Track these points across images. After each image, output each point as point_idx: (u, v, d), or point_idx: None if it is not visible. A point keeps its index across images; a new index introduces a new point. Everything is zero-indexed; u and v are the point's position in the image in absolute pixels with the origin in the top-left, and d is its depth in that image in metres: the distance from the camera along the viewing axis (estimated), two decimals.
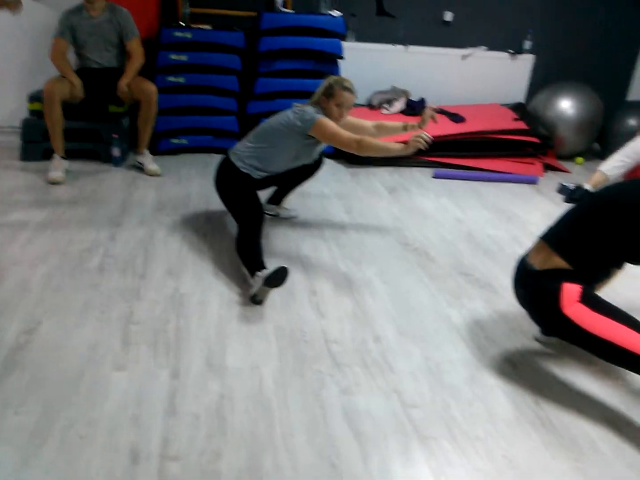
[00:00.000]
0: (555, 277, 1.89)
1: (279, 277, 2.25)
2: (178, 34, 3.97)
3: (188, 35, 4.00)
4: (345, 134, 2.60)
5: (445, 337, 2.24)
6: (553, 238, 1.98)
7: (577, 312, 1.82)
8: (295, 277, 2.58)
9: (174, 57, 4.01)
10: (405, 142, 2.52)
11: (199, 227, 3.01)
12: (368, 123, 2.95)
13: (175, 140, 4.18)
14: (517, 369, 2.09)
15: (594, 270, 1.95)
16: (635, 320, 1.78)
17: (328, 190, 3.74)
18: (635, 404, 1.94)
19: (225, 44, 4.07)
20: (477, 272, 2.78)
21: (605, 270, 1.99)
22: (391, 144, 2.59)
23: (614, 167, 3.80)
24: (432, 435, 1.74)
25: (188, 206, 3.26)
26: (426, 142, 2.49)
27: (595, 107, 4.70)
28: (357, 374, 1.99)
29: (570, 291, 1.84)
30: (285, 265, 2.27)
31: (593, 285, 1.98)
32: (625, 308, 1.86)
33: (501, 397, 1.94)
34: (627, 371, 2.08)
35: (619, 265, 2.02)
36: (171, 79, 4.06)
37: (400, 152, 2.57)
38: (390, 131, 2.97)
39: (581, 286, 1.85)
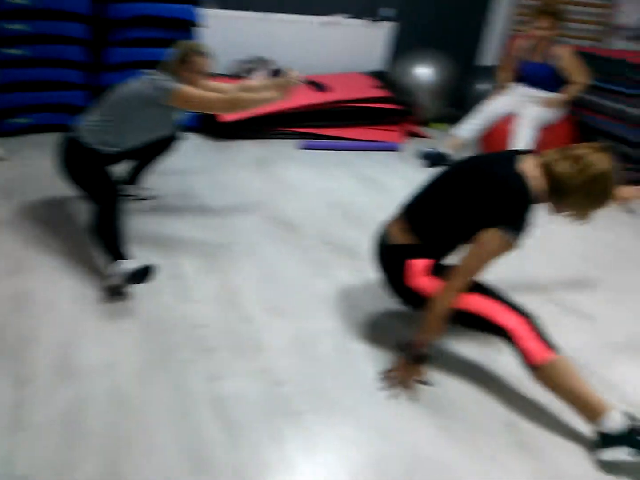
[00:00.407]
0: (403, 253, 1.92)
1: (142, 275, 2.10)
2: None
3: (26, 1, 3.60)
4: (213, 95, 2.46)
5: (314, 309, 2.23)
6: (406, 210, 2.00)
7: (422, 285, 1.86)
8: (156, 262, 2.44)
9: (10, 26, 3.60)
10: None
11: (45, 215, 2.74)
12: (230, 86, 2.75)
13: (19, 120, 3.79)
14: (385, 330, 2.13)
15: (440, 246, 1.92)
16: (481, 285, 1.83)
17: (192, 166, 3.58)
18: (496, 360, 2.05)
19: (68, 10, 3.71)
20: (345, 242, 2.79)
21: (451, 246, 1.93)
22: (265, 93, 2.52)
23: (467, 130, 3.99)
24: (303, 410, 1.73)
25: (32, 193, 2.96)
26: (298, 80, 2.45)
27: (450, 72, 4.88)
28: (225, 358, 1.92)
29: (416, 266, 1.87)
30: (151, 264, 2.11)
31: (441, 259, 1.94)
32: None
33: (370, 363, 1.96)
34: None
35: (465, 241, 1.92)
36: (10, 51, 3.65)
37: (276, 98, 2.50)
38: (255, 90, 2.75)
39: (427, 260, 1.87)
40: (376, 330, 2.13)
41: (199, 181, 3.35)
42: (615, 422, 1.59)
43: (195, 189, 3.23)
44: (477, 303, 1.79)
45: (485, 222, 1.72)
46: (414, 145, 4.37)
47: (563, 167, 1.72)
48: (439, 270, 1.87)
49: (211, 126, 4.10)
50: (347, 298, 2.32)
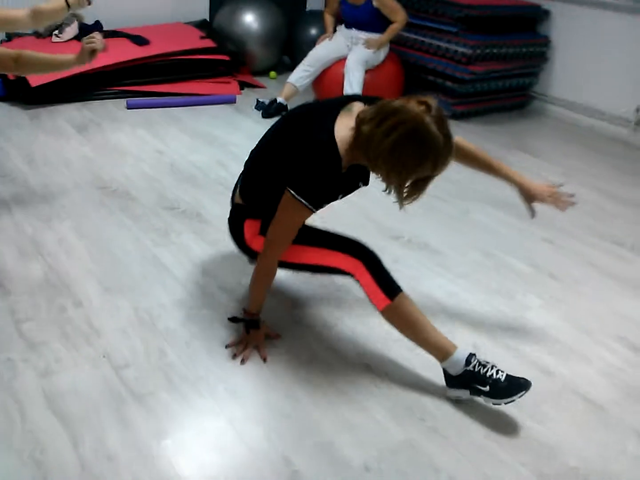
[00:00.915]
0: (240, 212, 1.84)
1: None
2: None
3: None
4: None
5: (155, 281, 2.10)
6: (244, 168, 1.88)
7: (257, 246, 1.80)
8: None
9: None
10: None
11: None
12: (20, 12, 2.20)
13: None
14: (232, 294, 2.06)
15: (268, 205, 1.71)
16: (311, 234, 1.79)
17: (2, 141, 3.17)
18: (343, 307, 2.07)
19: None
20: (183, 204, 2.65)
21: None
22: (60, 56, 2.23)
23: (299, 77, 3.94)
24: (149, 390, 1.63)
25: None
26: (101, 42, 2.19)
27: (278, 19, 4.75)
28: (57, 349, 1.74)
29: (252, 227, 1.81)
30: None
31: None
32: None
33: (219, 329, 1.89)
34: None
35: None
36: None
37: (73, 64, 2.19)
38: (52, 15, 2.30)
39: (261, 220, 1.80)
40: (223, 297, 2.06)
41: (12, 156, 2.99)
42: (453, 365, 1.63)
43: (8, 167, 2.88)
44: (308, 255, 1.76)
45: (287, 182, 1.58)
46: (250, 97, 4.25)
47: (369, 126, 1.46)
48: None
49: (21, 93, 3.66)
50: (192, 266, 2.21)
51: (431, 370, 1.75)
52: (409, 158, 1.44)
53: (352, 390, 1.70)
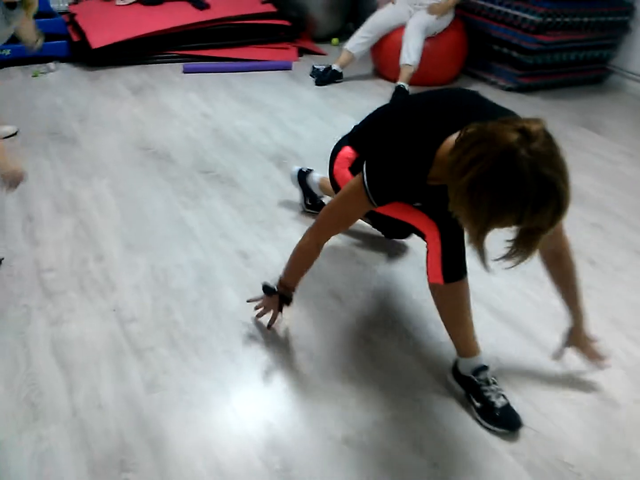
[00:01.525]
0: (344, 140, 1.78)
1: None
2: None
3: None
4: None
5: (176, 242, 2.14)
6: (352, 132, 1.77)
7: (341, 176, 1.73)
8: (6, 205, 2.28)
9: None
10: None
11: None
12: None
13: None
14: (248, 259, 2.08)
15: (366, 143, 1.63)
16: None
17: (61, 100, 3.32)
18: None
19: None
20: (219, 168, 2.68)
21: None
22: None
23: (357, 44, 3.86)
24: (150, 345, 1.67)
25: None
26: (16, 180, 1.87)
27: None
28: (71, 299, 1.82)
29: (346, 156, 1.72)
30: None
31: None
32: None
33: (229, 292, 1.91)
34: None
35: None
36: None
37: None
38: None
39: (358, 155, 1.67)
40: (239, 262, 2.07)
41: (67, 115, 3.12)
42: (465, 365, 1.57)
43: (62, 125, 3.01)
44: (395, 207, 1.57)
45: (367, 159, 1.43)
46: (308, 63, 4.20)
47: (453, 156, 1.16)
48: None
49: (83, 54, 3.80)
50: (215, 229, 2.24)
51: (437, 353, 1.70)
52: (487, 202, 1.09)
53: (350, 363, 1.68)
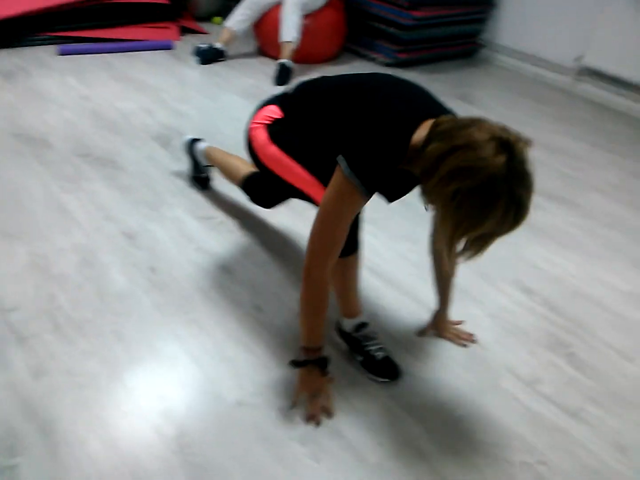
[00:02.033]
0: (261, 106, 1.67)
1: None
2: None
3: None
4: None
5: (57, 227, 2.09)
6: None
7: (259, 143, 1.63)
8: None
9: None
10: None
11: None
12: None
13: None
14: (134, 239, 2.07)
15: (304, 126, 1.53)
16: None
17: None
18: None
19: None
20: (99, 151, 2.62)
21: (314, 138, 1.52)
22: None
23: (237, 21, 3.86)
24: (33, 333, 1.65)
25: None
26: None
27: None
28: None
29: (268, 112, 1.62)
30: None
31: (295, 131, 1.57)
32: None
33: (115, 273, 1.91)
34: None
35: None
36: None
37: None
38: None
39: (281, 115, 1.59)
40: (124, 242, 2.06)
41: None
42: (348, 324, 1.68)
43: None
44: (295, 175, 1.53)
45: (342, 150, 1.32)
46: (190, 43, 4.15)
47: (436, 150, 1.17)
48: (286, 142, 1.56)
49: None
50: (98, 211, 2.20)
51: None
52: (466, 214, 1.14)
53: (239, 329, 1.74)
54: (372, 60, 4.26)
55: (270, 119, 1.60)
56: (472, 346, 1.80)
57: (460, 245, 1.21)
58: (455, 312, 1.87)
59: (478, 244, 1.21)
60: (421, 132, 1.26)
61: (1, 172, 2.38)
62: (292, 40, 3.67)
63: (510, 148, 1.12)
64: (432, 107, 1.35)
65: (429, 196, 1.22)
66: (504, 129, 1.15)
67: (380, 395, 1.59)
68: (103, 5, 3.94)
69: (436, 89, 3.88)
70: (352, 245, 1.55)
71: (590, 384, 1.72)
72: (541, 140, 3.30)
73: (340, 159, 1.30)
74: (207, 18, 4.68)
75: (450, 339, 1.82)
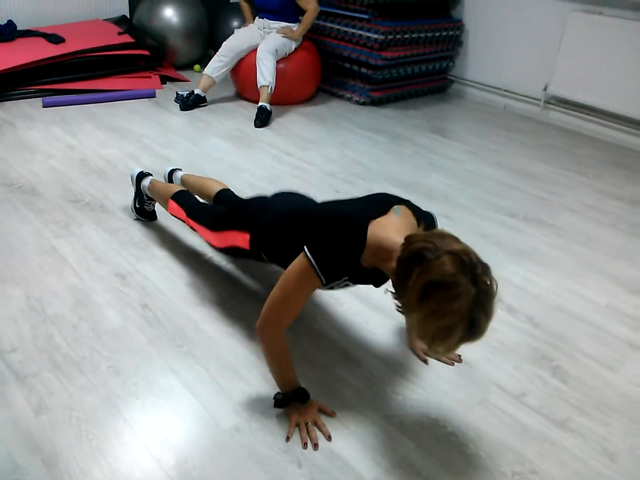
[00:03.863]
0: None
1: None
2: None
3: None
4: None
5: (50, 270, 2.14)
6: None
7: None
8: None
9: None
10: None
11: None
12: None
13: None
14: (125, 279, 2.13)
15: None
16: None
17: None
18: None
19: None
20: (88, 197, 2.69)
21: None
22: None
23: (214, 68, 4.01)
24: (33, 372, 1.68)
25: None
26: None
27: (199, 12, 4.79)
28: None
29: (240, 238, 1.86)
30: None
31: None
32: None
33: (109, 312, 1.95)
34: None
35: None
36: None
37: None
38: None
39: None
40: (116, 282, 2.11)
41: None
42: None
43: None
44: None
45: (306, 242, 1.48)
46: (172, 91, 4.28)
47: (411, 272, 1.29)
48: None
49: None
50: (89, 254, 2.26)
51: (315, 345, 1.85)
52: (439, 332, 1.27)
53: (232, 358, 1.79)
54: (348, 99, 4.42)
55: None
56: (460, 364, 1.86)
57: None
58: None
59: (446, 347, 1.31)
60: (378, 230, 1.42)
61: None
62: (268, 84, 3.83)
63: (479, 282, 1.26)
64: (384, 202, 1.54)
65: (405, 309, 1.35)
66: (468, 253, 1.29)
67: (374, 416, 1.64)
68: (85, 59, 4.07)
69: (410, 125, 4.08)
70: None
71: (576, 394, 1.78)
72: (514, 166, 3.43)
73: (306, 251, 1.46)
74: (187, 66, 4.84)
75: (438, 359, 1.87)
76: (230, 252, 1.95)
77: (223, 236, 1.89)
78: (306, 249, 1.46)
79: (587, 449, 1.59)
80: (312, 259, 1.44)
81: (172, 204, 2.16)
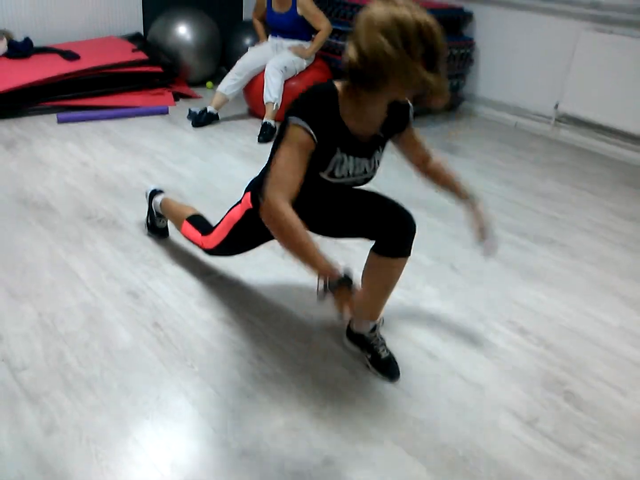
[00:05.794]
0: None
1: None
2: None
3: None
4: None
5: (63, 287, 2.16)
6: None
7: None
8: None
9: None
10: None
11: None
12: None
13: None
14: (137, 297, 2.14)
15: None
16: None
17: None
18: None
19: None
20: (101, 213, 2.72)
21: None
22: None
23: (228, 86, 4.04)
24: (44, 390, 1.69)
25: None
26: None
27: (211, 30, 4.85)
28: None
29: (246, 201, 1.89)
30: None
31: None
32: None
33: (120, 330, 1.96)
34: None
35: None
36: None
37: None
38: None
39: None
40: (128, 300, 2.13)
41: None
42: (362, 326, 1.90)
43: None
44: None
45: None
46: (184, 107, 4.33)
47: (350, 53, 1.43)
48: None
49: None
50: (101, 271, 2.28)
51: (324, 371, 1.85)
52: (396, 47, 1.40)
53: (243, 379, 1.79)
54: None
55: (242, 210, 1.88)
56: (470, 387, 1.85)
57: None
58: (451, 354, 1.93)
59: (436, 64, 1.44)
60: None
61: (7, 236, 2.47)
62: (274, 101, 3.86)
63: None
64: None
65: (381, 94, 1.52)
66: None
67: (383, 439, 1.63)
68: (99, 75, 4.13)
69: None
70: (400, 248, 1.71)
71: (589, 419, 1.76)
72: (525, 185, 3.43)
73: (287, 116, 1.50)
74: (200, 83, 4.89)
75: (477, 234, 1.80)
76: (232, 239, 1.94)
77: (224, 224, 1.95)
78: (289, 117, 1.48)
79: (601, 476, 1.57)
80: (294, 116, 1.47)
81: (187, 226, 2.16)
